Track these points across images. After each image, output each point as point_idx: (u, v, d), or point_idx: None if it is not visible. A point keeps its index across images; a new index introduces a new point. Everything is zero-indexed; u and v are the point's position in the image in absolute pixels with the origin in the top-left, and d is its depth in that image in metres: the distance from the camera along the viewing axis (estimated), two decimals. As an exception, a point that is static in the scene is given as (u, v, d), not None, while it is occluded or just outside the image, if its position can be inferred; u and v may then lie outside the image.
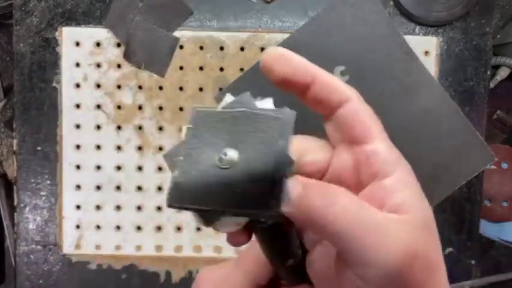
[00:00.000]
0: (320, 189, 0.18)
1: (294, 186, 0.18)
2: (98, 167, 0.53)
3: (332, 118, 0.21)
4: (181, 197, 0.18)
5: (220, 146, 0.18)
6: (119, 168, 0.53)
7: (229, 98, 0.20)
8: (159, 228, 0.54)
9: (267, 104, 0.19)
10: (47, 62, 0.53)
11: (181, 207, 0.18)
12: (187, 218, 0.53)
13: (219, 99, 0.52)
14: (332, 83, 0.21)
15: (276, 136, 0.18)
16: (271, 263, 0.23)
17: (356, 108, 0.21)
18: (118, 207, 0.53)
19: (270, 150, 0.18)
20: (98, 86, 0.53)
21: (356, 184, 0.21)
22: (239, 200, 0.17)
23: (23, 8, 0.52)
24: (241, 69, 0.52)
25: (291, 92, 0.22)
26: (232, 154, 0.18)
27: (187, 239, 0.53)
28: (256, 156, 0.18)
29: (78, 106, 0.53)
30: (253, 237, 0.21)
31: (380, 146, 0.20)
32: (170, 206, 0.18)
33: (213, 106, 0.20)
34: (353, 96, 0.21)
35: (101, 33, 0.52)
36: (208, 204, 0.17)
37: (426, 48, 0.52)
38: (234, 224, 0.18)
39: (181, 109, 0.53)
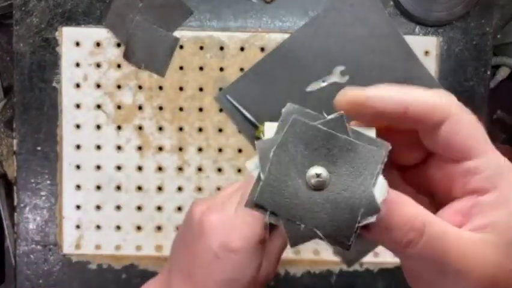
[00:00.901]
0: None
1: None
2: (98, 167, 0.53)
3: (431, 137, 0.20)
4: (268, 197, 0.18)
5: (311, 163, 0.18)
6: (119, 168, 0.53)
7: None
8: (159, 228, 0.54)
9: (369, 132, 0.19)
10: (47, 62, 0.53)
11: (265, 212, 0.18)
12: (187, 218, 0.53)
13: (218, 100, 0.52)
14: (427, 105, 0.20)
15: (368, 173, 0.18)
16: None
17: (455, 127, 0.19)
18: (118, 207, 0.53)
19: (359, 187, 0.17)
20: (98, 86, 0.53)
21: (448, 198, 0.21)
22: (324, 225, 0.17)
23: (23, 8, 0.52)
24: (241, 69, 0.52)
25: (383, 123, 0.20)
26: (324, 175, 0.17)
27: (187, 239, 0.53)
28: (345, 187, 0.17)
29: (78, 106, 0.53)
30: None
31: (481, 162, 0.19)
32: (254, 206, 0.18)
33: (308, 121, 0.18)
34: (451, 112, 0.19)
35: (101, 33, 0.52)
36: (296, 217, 0.17)
37: (426, 48, 0.52)
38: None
39: (181, 109, 0.53)
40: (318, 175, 0.17)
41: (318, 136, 0.18)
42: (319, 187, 0.17)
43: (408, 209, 0.18)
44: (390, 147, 0.18)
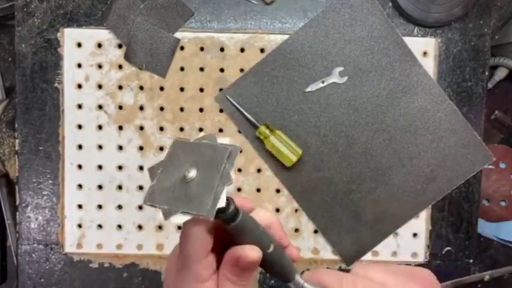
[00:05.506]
0: None
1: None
2: (100, 167, 0.54)
3: None
4: (153, 199, 0.25)
5: (187, 166, 0.25)
6: (120, 168, 0.54)
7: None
8: (160, 228, 0.54)
9: (224, 140, 0.26)
10: (48, 62, 0.53)
11: (151, 206, 0.25)
12: (188, 217, 0.54)
13: (219, 100, 0.53)
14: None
15: (224, 161, 0.25)
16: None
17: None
18: (120, 207, 0.54)
19: (217, 171, 0.24)
20: (100, 86, 0.53)
21: None
22: (189, 204, 0.24)
23: (25, 9, 0.53)
24: (241, 70, 0.53)
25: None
26: (192, 173, 0.25)
27: (187, 238, 0.54)
28: (208, 175, 0.25)
29: (80, 106, 0.53)
30: None
31: None
32: (144, 203, 0.26)
33: (188, 139, 0.27)
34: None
35: (103, 34, 0.53)
36: (169, 204, 0.25)
37: (424, 49, 0.53)
38: (182, 219, 0.25)
39: (181, 109, 0.53)
40: (188, 172, 0.25)
41: (190, 147, 0.26)
42: (189, 180, 0.25)
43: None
44: (239, 147, 0.26)
